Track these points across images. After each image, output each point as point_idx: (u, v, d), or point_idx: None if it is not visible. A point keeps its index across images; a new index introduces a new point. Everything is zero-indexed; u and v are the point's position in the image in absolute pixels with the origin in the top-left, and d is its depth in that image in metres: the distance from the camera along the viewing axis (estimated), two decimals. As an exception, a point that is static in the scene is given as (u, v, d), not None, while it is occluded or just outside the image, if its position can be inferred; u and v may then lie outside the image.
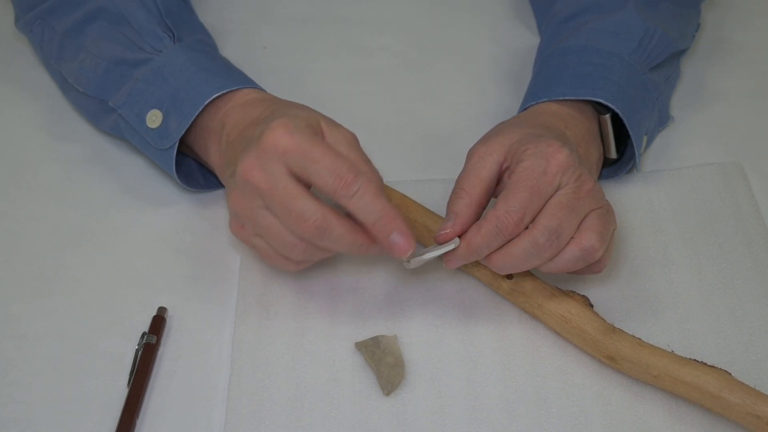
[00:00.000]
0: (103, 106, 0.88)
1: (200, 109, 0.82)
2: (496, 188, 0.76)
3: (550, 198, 0.72)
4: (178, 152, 0.84)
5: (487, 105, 0.97)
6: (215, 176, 0.89)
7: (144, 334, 0.79)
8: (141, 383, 0.76)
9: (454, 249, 0.74)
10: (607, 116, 0.85)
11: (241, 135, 0.77)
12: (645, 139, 0.87)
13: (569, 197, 0.72)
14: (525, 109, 0.86)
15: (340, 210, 0.72)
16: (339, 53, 1.04)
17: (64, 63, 0.90)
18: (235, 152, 0.76)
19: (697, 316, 0.79)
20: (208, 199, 0.89)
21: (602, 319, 0.76)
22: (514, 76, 0.99)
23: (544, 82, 0.86)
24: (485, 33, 1.05)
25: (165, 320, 0.80)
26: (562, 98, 0.84)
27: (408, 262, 0.76)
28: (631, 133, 0.84)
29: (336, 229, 0.71)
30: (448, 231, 0.74)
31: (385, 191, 0.76)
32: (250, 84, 0.84)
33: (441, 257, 0.75)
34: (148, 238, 0.87)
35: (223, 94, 0.82)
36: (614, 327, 0.75)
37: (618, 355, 0.74)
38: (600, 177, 0.88)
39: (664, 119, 0.93)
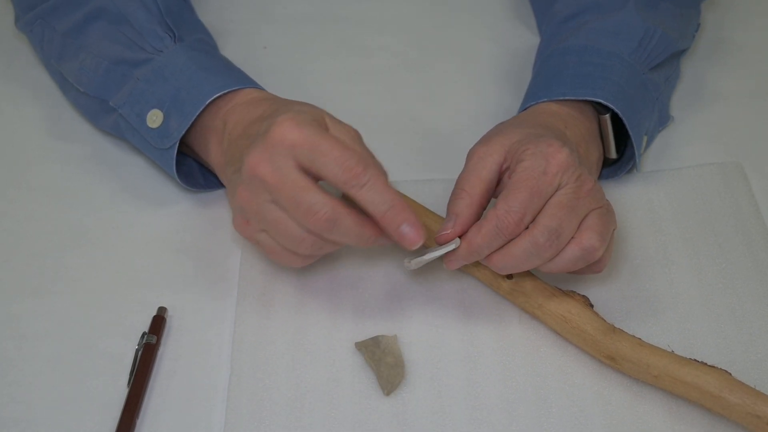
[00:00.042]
0: (103, 106, 0.88)
1: (201, 109, 0.82)
2: (496, 188, 0.76)
3: (551, 198, 0.73)
4: (178, 152, 0.84)
5: (487, 105, 0.97)
6: (215, 176, 0.89)
7: (144, 334, 0.79)
8: (141, 383, 0.76)
9: (454, 249, 0.74)
10: (607, 116, 0.85)
11: (244, 132, 0.77)
12: (645, 139, 0.87)
13: (569, 197, 0.72)
14: (525, 109, 0.86)
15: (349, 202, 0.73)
16: (339, 53, 1.04)
17: (65, 63, 0.90)
18: (240, 149, 0.76)
19: (697, 316, 0.79)
20: (208, 199, 0.89)
21: (602, 319, 0.76)
22: (514, 76, 0.99)
23: (544, 82, 0.86)
24: (485, 33, 1.05)
25: (165, 320, 0.80)
26: (562, 98, 0.84)
27: (409, 262, 0.76)
28: (631, 133, 0.84)
29: (345, 222, 0.71)
30: (448, 231, 0.74)
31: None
32: (251, 84, 0.84)
33: (442, 258, 0.75)
34: (148, 238, 0.87)
35: (225, 93, 0.82)
36: (614, 327, 0.75)
37: (618, 355, 0.74)
38: (600, 177, 0.88)
39: (664, 119, 0.93)
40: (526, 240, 0.72)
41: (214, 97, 0.82)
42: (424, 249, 0.77)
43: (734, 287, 0.81)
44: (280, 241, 0.74)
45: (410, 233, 0.72)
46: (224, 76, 0.84)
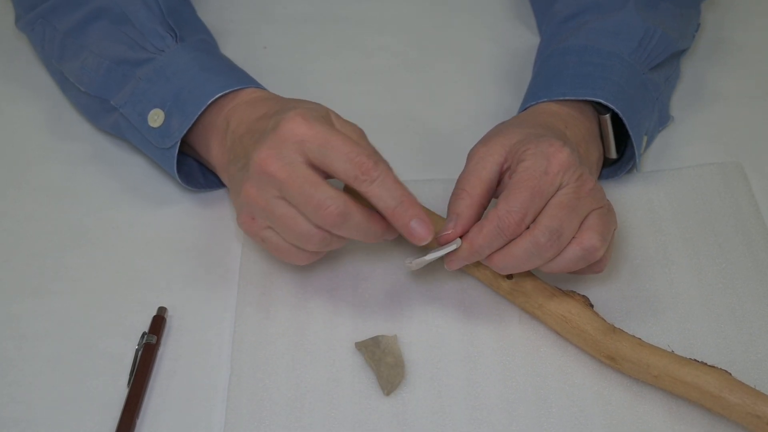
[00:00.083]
0: (104, 106, 0.88)
1: (203, 109, 0.82)
2: (496, 189, 0.76)
3: (551, 198, 0.73)
4: (178, 152, 0.84)
5: (487, 105, 0.97)
6: (215, 176, 0.89)
7: (144, 334, 0.79)
8: (141, 383, 0.76)
9: (455, 250, 0.74)
10: (607, 116, 0.85)
11: (249, 130, 0.77)
12: (645, 139, 0.87)
13: (570, 197, 0.72)
14: (525, 109, 0.86)
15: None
16: (339, 53, 1.04)
17: (66, 62, 0.90)
18: (245, 146, 0.76)
19: (697, 316, 0.79)
20: (209, 199, 0.89)
21: (602, 319, 0.76)
22: (514, 76, 0.99)
23: (544, 82, 0.86)
24: (485, 33, 1.05)
25: (165, 320, 0.80)
26: (562, 98, 0.84)
27: (410, 263, 0.76)
28: (631, 133, 0.84)
29: (355, 217, 0.72)
30: (449, 232, 0.74)
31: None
32: (253, 83, 0.85)
33: (442, 258, 0.75)
34: (148, 238, 0.87)
35: (227, 93, 0.82)
36: (614, 327, 0.75)
37: (618, 355, 0.74)
38: (600, 177, 0.88)
39: (664, 119, 0.93)
40: (527, 240, 0.72)
41: (217, 96, 0.82)
42: (425, 249, 0.77)
43: (734, 287, 0.81)
44: (288, 237, 0.74)
45: (419, 229, 0.72)
46: (226, 76, 0.84)
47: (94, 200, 0.90)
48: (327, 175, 0.73)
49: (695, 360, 0.72)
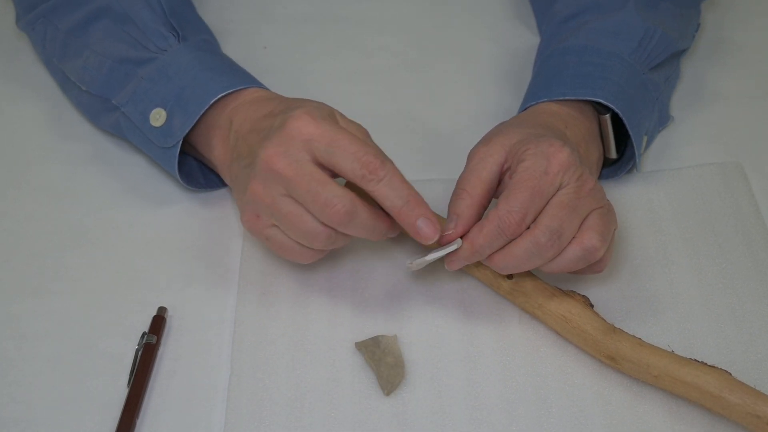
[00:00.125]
0: (105, 105, 0.88)
1: (205, 108, 0.82)
2: (497, 189, 0.76)
3: (552, 198, 0.73)
4: (179, 151, 0.84)
5: (487, 105, 0.97)
6: (216, 175, 0.89)
7: (144, 334, 0.79)
8: (141, 383, 0.76)
9: (456, 250, 0.74)
10: (607, 116, 0.85)
11: (254, 128, 0.77)
12: (645, 139, 0.87)
13: (570, 197, 0.72)
14: (525, 109, 0.86)
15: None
16: (339, 53, 1.04)
17: (67, 61, 0.90)
18: (250, 144, 0.76)
19: (697, 316, 0.79)
20: (209, 199, 0.89)
21: (602, 319, 0.76)
22: (514, 76, 0.99)
23: (544, 82, 0.86)
24: (485, 33, 1.05)
25: (165, 320, 0.80)
26: (562, 98, 0.84)
27: (411, 263, 0.76)
28: (631, 133, 0.84)
29: (361, 215, 0.72)
30: (450, 232, 0.74)
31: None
32: (255, 83, 0.85)
33: (443, 258, 0.75)
34: (148, 238, 0.87)
35: (229, 92, 0.82)
36: (614, 327, 0.75)
37: (618, 355, 0.74)
38: (600, 177, 0.88)
39: (664, 119, 0.93)
40: (527, 240, 0.72)
41: (219, 96, 0.82)
42: (425, 250, 0.77)
43: (734, 287, 0.81)
44: (293, 235, 0.74)
45: (426, 228, 0.72)
46: (229, 76, 0.84)
47: (94, 200, 0.90)
48: (333, 174, 0.73)
49: (695, 360, 0.72)
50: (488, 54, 1.03)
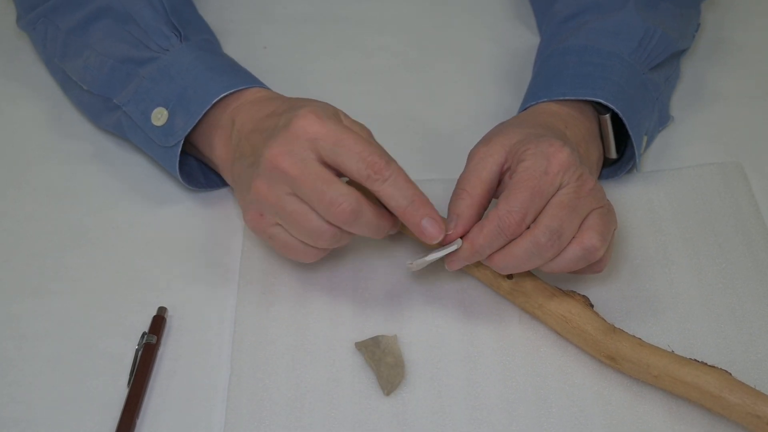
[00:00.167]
0: (107, 104, 0.88)
1: (207, 108, 0.82)
2: (497, 189, 0.76)
3: (552, 198, 0.73)
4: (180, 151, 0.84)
5: (487, 105, 0.97)
6: (216, 175, 0.89)
7: (144, 334, 0.79)
8: (141, 383, 0.76)
9: (456, 250, 0.74)
10: (607, 116, 0.85)
11: (256, 128, 0.77)
12: (645, 139, 0.87)
13: (570, 197, 0.72)
14: (525, 109, 0.86)
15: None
16: (339, 53, 1.04)
17: (69, 61, 0.90)
18: (253, 143, 0.76)
19: (697, 316, 0.79)
20: (209, 199, 0.89)
21: (602, 319, 0.76)
22: (514, 76, 0.99)
23: (544, 82, 0.86)
24: (485, 33, 1.05)
25: (165, 320, 0.80)
26: (562, 98, 0.84)
27: (411, 264, 0.76)
28: (631, 133, 0.84)
29: (367, 214, 0.72)
30: (450, 232, 0.74)
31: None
32: (257, 83, 0.85)
33: (443, 259, 0.75)
34: (148, 238, 0.87)
35: (231, 92, 0.82)
36: (614, 327, 0.75)
37: (618, 355, 0.74)
38: (600, 177, 0.88)
39: (664, 119, 0.93)
40: (527, 240, 0.72)
41: (221, 96, 0.82)
42: (425, 250, 0.77)
43: (734, 287, 0.81)
44: (298, 234, 0.74)
45: (431, 228, 0.72)
46: (231, 76, 0.84)
47: (94, 200, 0.90)
48: (337, 173, 0.73)
49: (695, 360, 0.72)
50: (488, 54, 1.03)
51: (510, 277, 0.78)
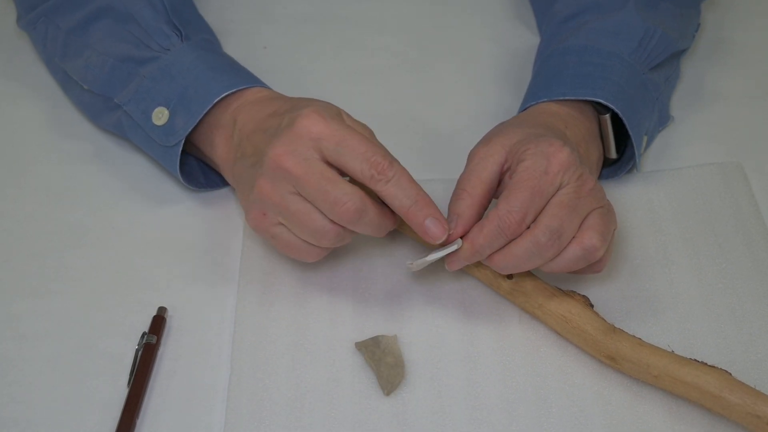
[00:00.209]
0: (107, 104, 0.88)
1: (208, 108, 0.82)
2: (497, 189, 0.76)
3: (552, 197, 0.73)
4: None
5: (487, 105, 0.97)
6: (216, 175, 0.89)
7: (144, 334, 0.79)
8: (141, 383, 0.76)
9: (456, 250, 0.74)
10: (607, 116, 0.85)
11: (259, 128, 0.77)
12: (645, 139, 0.87)
13: (570, 197, 0.72)
14: (525, 109, 0.86)
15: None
16: (339, 53, 1.04)
17: (69, 60, 0.90)
18: (255, 143, 0.76)
19: (697, 316, 0.79)
20: (209, 199, 0.89)
21: (602, 319, 0.76)
22: (514, 76, 0.99)
23: (544, 82, 0.86)
24: (485, 33, 1.05)
25: (165, 320, 0.80)
26: (562, 98, 0.84)
27: (411, 264, 0.76)
28: (631, 133, 0.84)
29: (370, 213, 0.72)
30: (450, 232, 0.74)
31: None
32: (258, 83, 0.85)
33: (443, 259, 0.75)
34: (148, 238, 0.87)
35: (232, 92, 0.82)
36: (614, 327, 0.75)
37: (618, 355, 0.74)
38: (600, 177, 0.88)
39: (664, 119, 0.93)
40: (527, 240, 0.72)
41: (222, 95, 0.82)
42: (426, 250, 0.77)
43: (734, 287, 0.81)
44: (301, 233, 0.74)
45: (434, 228, 0.73)
46: (232, 75, 0.84)
47: (94, 200, 0.90)
48: (341, 173, 0.73)
49: (695, 360, 0.72)
50: (488, 54, 1.03)
51: (510, 277, 0.78)
